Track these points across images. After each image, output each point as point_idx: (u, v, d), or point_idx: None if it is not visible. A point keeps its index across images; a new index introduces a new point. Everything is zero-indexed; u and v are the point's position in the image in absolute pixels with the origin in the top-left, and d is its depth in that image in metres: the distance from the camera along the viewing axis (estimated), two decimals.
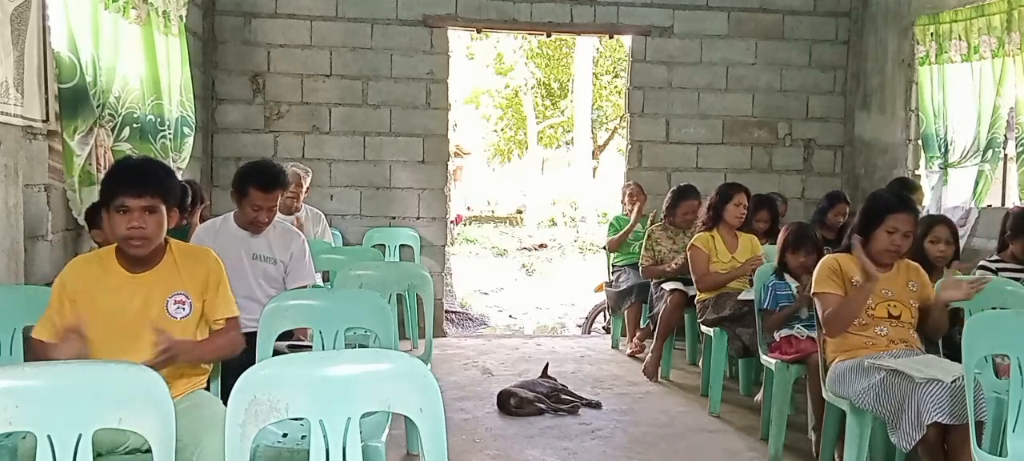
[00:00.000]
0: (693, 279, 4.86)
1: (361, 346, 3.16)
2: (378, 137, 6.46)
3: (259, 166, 3.67)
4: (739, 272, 4.65)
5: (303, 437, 2.57)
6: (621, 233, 6.14)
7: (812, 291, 3.33)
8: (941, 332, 3.35)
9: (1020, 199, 4.95)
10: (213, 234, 3.67)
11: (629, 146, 6.84)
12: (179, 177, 4.83)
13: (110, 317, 2.40)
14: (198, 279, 2.54)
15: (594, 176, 22.10)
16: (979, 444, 2.63)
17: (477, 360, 5.82)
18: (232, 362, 2.68)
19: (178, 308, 2.49)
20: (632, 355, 5.87)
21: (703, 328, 4.79)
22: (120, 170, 2.53)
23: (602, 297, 6.80)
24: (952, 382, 2.74)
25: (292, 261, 3.70)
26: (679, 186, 5.65)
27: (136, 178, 2.41)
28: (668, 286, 5.27)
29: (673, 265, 5.29)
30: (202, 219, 4.69)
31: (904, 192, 3.47)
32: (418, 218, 6.57)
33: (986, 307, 3.32)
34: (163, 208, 2.43)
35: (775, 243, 5.01)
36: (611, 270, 6.41)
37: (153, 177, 2.43)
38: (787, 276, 4.08)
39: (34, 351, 2.46)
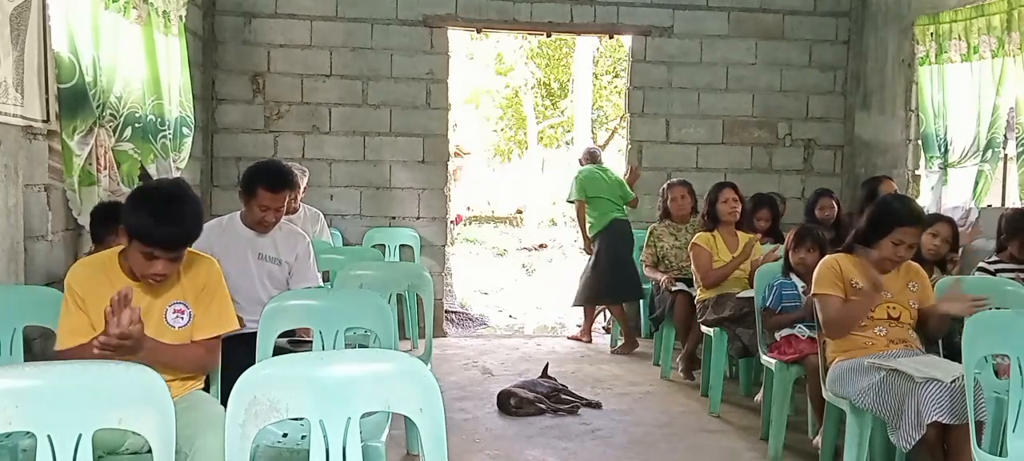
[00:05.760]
0: (696, 277, 4.88)
1: (361, 346, 3.17)
2: (378, 137, 6.46)
3: (267, 166, 3.68)
4: (740, 259, 4.72)
5: (303, 437, 2.57)
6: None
7: (812, 292, 3.33)
8: (941, 334, 3.35)
9: (1020, 199, 4.95)
10: (219, 232, 3.67)
11: (629, 146, 6.84)
12: (178, 177, 4.86)
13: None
14: (197, 287, 2.53)
15: None
16: (979, 444, 2.64)
17: (477, 360, 5.82)
18: (233, 362, 2.68)
19: (177, 317, 2.48)
20: (573, 337, 6.62)
21: (703, 328, 4.80)
22: (154, 217, 2.31)
23: None
24: (952, 382, 2.74)
25: (297, 262, 3.70)
26: (666, 183, 5.77)
27: (172, 235, 2.32)
28: (671, 287, 5.27)
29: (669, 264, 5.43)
30: None
31: (912, 202, 3.43)
32: (418, 218, 6.57)
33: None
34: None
35: (776, 242, 5.08)
36: None
37: (189, 232, 2.37)
38: (793, 275, 4.09)
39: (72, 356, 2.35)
